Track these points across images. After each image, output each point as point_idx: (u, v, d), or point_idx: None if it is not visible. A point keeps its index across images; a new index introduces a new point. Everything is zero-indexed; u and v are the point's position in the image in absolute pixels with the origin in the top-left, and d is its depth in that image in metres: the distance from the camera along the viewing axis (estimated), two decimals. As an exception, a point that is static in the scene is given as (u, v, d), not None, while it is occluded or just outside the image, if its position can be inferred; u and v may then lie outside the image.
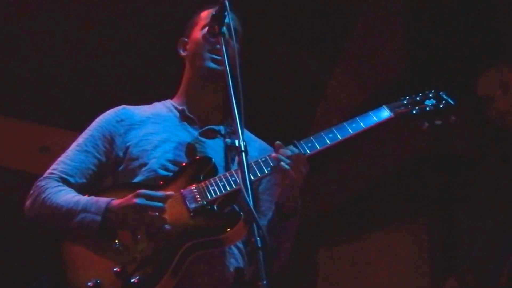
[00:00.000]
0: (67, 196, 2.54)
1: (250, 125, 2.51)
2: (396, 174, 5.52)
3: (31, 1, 4.77)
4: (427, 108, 2.69)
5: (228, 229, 2.40)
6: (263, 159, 2.53)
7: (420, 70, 4.84)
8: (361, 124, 2.63)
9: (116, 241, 2.43)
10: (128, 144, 2.69)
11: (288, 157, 2.47)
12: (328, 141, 2.58)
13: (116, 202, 2.45)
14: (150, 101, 2.94)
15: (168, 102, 2.89)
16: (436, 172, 5.33)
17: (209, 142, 2.74)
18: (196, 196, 2.49)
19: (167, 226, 2.41)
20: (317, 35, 5.15)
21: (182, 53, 2.90)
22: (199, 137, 2.73)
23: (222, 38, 2.54)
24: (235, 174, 2.50)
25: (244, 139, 2.25)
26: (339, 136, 2.59)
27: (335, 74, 5.44)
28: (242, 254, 2.62)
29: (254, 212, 2.08)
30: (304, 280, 6.30)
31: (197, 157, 2.65)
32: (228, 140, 2.71)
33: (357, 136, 2.63)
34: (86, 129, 2.77)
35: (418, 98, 2.72)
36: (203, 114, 2.80)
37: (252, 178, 2.34)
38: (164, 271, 2.37)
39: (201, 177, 2.54)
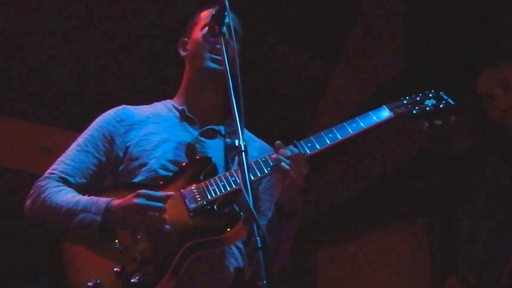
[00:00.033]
0: (67, 196, 2.54)
1: (250, 125, 2.51)
2: (396, 174, 5.52)
3: (31, 1, 4.77)
4: (427, 108, 2.69)
5: (228, 229, 2.40)
6: (263, 159, 2.53)
7: (420, 70, 4.84)
8: (361, 124, 2.63)
9: (116, 241, 2.43)
10: (128, 144, 2.69)
11: (288, 157, 2.47)
12: (328, 141, 2.58)
13: (116, 202, 2.45)
14: (150, 101, 2.94)
15: (168, 102, 2.89)
16: (436, 172, 5.34)
17: (209, 142, 2.74)
18: (196, 196, 2.49)
19: (167, 226, 2.41)
20: (317, 35, 5.14)
21: (182, 53, 2.90)
22: (199, 137, 2.73)
23: (222, 38, 2.54)
24: (235, 174, 2.50)
25: (244, 139, 2.25)
26: (339, 136, 2.59)
27: (335, 74, 5.43)
28: (242, 254, 2.62)
29: (254, 212, 2.08)
30: (304, 280, 6.30)
31: (197, 157, 2.65)
32: (228, 140, 2.71)
33: (357, 136, 2.63)
34: (86, 129, 2.77)
35: (418, 98, 2.72)
36: (203, 114, 2.80)
37: (252, 178, 2.34)
38: (164, 271, 2.37)
39: (201, 177, 2.54)
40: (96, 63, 5.21)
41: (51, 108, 5.45)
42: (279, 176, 2.55)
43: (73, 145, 2.72)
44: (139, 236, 2.42)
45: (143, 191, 2.42)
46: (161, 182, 2.57)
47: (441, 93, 2.74)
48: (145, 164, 2.63)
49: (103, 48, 5.11)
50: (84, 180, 2.65)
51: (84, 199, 2.52)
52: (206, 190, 2.50)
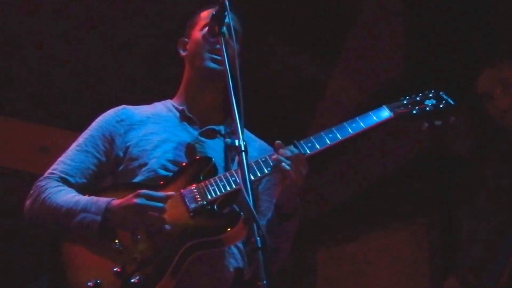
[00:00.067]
0: (67, 196, 2.54)
1: (250, 125, 2.51)
2: (396, 174, 5.52)
3: (31, 1, 4.77)
4: (427, 108, 2.69)
5: (228, 229, 2.40)
6: (263, 159, 2.53)
7: (420, 70, 4.84)
8: (361, 124, 2.63)
9: (116, 241, 2.43)
10: (128, 144, 2.69)
11: (288, 158, 2.47)
12: (328, 141, 2.58)
13: (116, 202, 2.45)
14: (150, 101, 2.94)
15: (168, 102, 2.89)
16: (436, 172, 5.34)
17: (209, 142, 2.73)
18: (196, 196, 2.49)
19: (167, 226, 2.41)
20: (317, 35, 5.14)
21: (182, 53, 2.90)
22: (199, 137, 2.73)
23: (222, 38, 2.54)
24: (235, 174, 2.50)
25: (244, 139, 2.25)
26: (339, 136, 2.59)
27: (334, 74, 5.44)
28: (242, 254, 2.63)
29: (254, 212, 2.08)
30: (303, 280, 6.30)
31: (197, 157, 2.65)
32: (228, 140, 2.71)
33: (357, 136, 2.63)
34: (86, 129, 2.77)
35: (418, 98, 2.72)
36: (203, 114, 2.80)
37: (252, 178, 2.34)
38: (164, 271, 2.37)
39: (201, 177, 2.54)
40: (96, 63, 5.21)
41: (51, 108, 5.45)
42: (279, 176, 2.55)
43: (73, 145, 2.72)
44: (139, 236, 2.42)
45: (143, 191, 2.42)
46: (161, 182, 2.57)
47: (441, 93, 2.74)
48: (145, 164, 2.63)
49: (103, 48, 5.11)
50: (84, 180, 2.65)
51: (84, 199, 2.52)
52: (206, 190, 2.50)
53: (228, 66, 2.42)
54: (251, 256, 2.46)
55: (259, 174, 2.51)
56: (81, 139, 2.73)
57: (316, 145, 2.56)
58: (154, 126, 2.75)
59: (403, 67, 5.00)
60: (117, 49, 5.13)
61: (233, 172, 2.52)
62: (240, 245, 2.62)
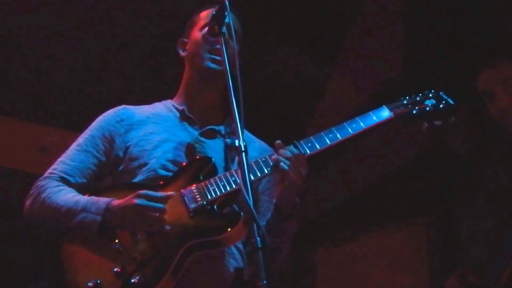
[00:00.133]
0: (67, 196, 2.54)
1: (250, 125, 2.51)
2: (396, 174, 5.52)
3: (31, 1, 4.77)
4: (427, 109, 2.69)
5: (228, 229, 2.40)
6: (263, 159, 2.53)
7: (419, 70, 4.84)
8: (361, 124, 2.63)
9: (116, 241, 2.43)
10: (128, 144, 2.69)
11: (287, 158, 2.47)
12: (328, 141, 2.58)
13: (116, 202, 2.45)
14: (150, 101, 2.94)
15: (168, 102, 2.89)
16: (435, 172, 5.33)
17: (209, 142, 2.74)
18: (196, 196, 2.49)
19: (167, 227, 2.41)
20: (317, 36, 5.14)
21: (182, 53, 2.90)
22: (199, 137, 2.73)
23: (222, 38, 2.54)
24: (235, 174, 2.50)
25: (244, 139, 2.25)
26: (339, 136, 2.59)
27: (334, 74, 5.43)
28: (242, 255, 2.63)
29: (254, 212, 2.09)
30: (303, 280, 6.30)
31: (197, 157, 2.65)
32: (228, 140, 2.71)
33: (357, 136, 2.63)
34: (86, 129, 2.77)
35: (418, 98, 2.72)
36: (203, 114, 2.80)
37: (252, 178, 2.34)
38: (164, 272, 2.37)
39: (201, 177, 2.54)
40: (96, 63, 5.21)
41: (51, 108, 5.44)
42: (279, 176, 2.55)
43: (73, 145, 2.72)
44: (139, 237, 2.42)
45: (143, 191, 2.42)
46: (161, 182, 2.57)
47: (441, 93, 2.74)
48: (145, 164, 2.63)
49: (103, 48, 5.11)
50: (84, 180, 2.65)
51: (84, 199, 2.52)
52: (206, 190, 2.50)
53: (228, 66, 2.42)
54: (251, 256, 2.46)
55: (259, 174, 2.51)
56: (81, 139, 2.73)
57: (316, 145, 2.56)
58: (154, 126, 2.75)
59: (403, 67, 5.00)
60: (117, 49, 5.12)
61: (233, 172, 2.52)
62: (240, 245, 2.62)
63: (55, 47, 5.06)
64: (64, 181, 2.62)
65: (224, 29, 2.56)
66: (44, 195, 2.56)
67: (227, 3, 2.52)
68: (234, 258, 2.59)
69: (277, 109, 5.52)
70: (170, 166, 2.62)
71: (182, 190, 2.51)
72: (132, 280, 2.36)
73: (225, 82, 2.36)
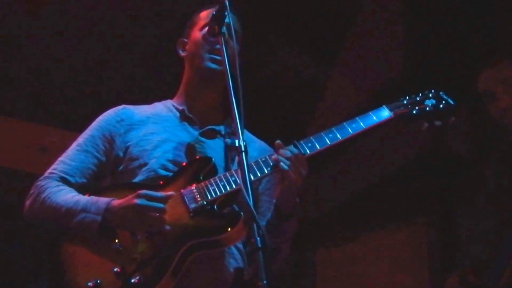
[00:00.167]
0: (67, 196, 2.54)
1: (250, 125, 2.51)
2: (396, 174, 5.52)
3: (30, 1, 4.77)
4: (427, 109, 2.69)
5: (229, 229, 2.40)
6: (263, 159, 2.53)
7: (419, 70, 4.84)
8: (361, 124, 2.63)
9: (116, 241, 2.43)
10: (128, 144, 2.69)
11: (287, 158, 2.47)
12: (328, 141, 2.58)
13: (116, 202, 2.45)
14: (150, 101, 2.94)
15: (168, 102, 2.89)
16: (435, 172, 5.33)
17: (209, 142, 2.74)
18: (196, 196, 2.49)
19: (167, 227, 2.41)
20: (317, 36, 5.14)
21: (182, 54, 2.90)
22: (199, 137, 2.73)
23: (222, 38, 2.54)
24: (235, 174, 2.50)
25: (244, 139, 2.25)
26: (339, 136, 2.59)
27: (334, 74, 5.43)
28: (242, 254, 2.63)
29: (254, 212, 2.08)
30: (303, 280, 6.30)
31: (197, 157, 2.65)
32: (228, 140, 2.71)
33: (357, 136, 2.63)
34: (86, 129, 2.77)
35: (418, 98, 2.72)
36: (203, 114, 2.80)
37: (252, 178, 2.34)
38: (164, 272, 2.37)
39: (201, 177, 2.54)
40: (96, 63, 5.20)
41: (51, 108, 5.44)
42: (279, 176, 2.55)
43: (73, 145, 2.72)
44: (139, 237, 2.42)
45: (143, 191, 2.42)
46: (161, 182, 2.57)
47: (441, 93, 2.74)
48: (145, 164, 2.63)
49: (103, 48, 5.11)
50: (84, 180, 2.65)
51: (84, 199, 2.52)
52: (206, 190, 2.50)
53: (228, 66, 2.42)
54: (251, 256, 2.46)
55: (259, 174, 2.51)
56: (81, 139, 2.73)
57: (316, 145, 2.56)
58: (154, 126, 2.75)
59: (403, 67, 5.00)
60: (117, 49, 5.12)
61: (233, 172, 2.52)
62: (240, 245, 2.62)
63: (55, 47, 5.05)
64: (64, 181, 2.62)
65: (224, 29, 2.56)
66: (44, 195, 2.56)
67: (227, 3, 2.52)
68: (234, 258, 2.59)
69: (277, 109, 5.52)
70: (170, 166, 2.62)
71: (182, 190, 2.51)
72: (132, 280, 2.36)
73: (225, 82, 2.36)
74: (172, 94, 2.93)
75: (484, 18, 4.60)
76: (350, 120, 2.63)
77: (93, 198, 2.51)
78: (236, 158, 2.36)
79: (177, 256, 2.38)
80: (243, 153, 2.22)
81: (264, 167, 2.51)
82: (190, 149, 2.68)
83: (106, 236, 2.44)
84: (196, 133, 2.75)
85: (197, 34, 2.83)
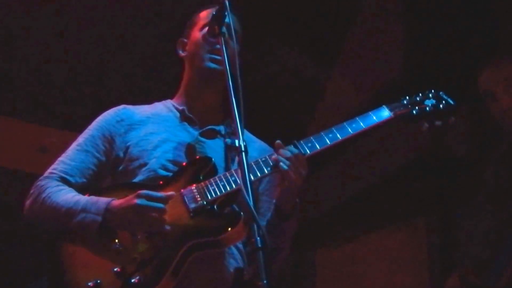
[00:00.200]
0: (67, 196, 2.54)
1: (250, 125, 2.51)
2: (396, 174, 5.52)
3: (30, 1, 4.77)
4: (427, 109, 2.69)
5: (229, 229, 2.40)
6: (263, 159, 2.53)
7: (419, 70, 4.84)
8: (361, 124, 2.63)
9: (116, 241, 2.43)
10: (128, 144, 2.69)
11: (287, 158, 2.47)
12: (328, 141, 2.58)
13: (116, 202, 2.45)
14: (150, 101, 2.94)
15: (168, 102, 2.89)
16: (435, 173, 5.33)
17: (209, 142, 2.73)
18: (196, 196, 2.49)
19: (167, 227, 2.41)
20: (316, 36, 5.14)
21: (182, 54, 2.90)
22: (199, 137, 2.73)
23: (222, 38, 2.54)
24: (235, 174, 2.50)
25: (244, 139, 2.25)
26: (339, 136, 2.59)
27: (334, 75, 5.44)
28: (242, 255, 2.63)
29: (255, 212, 2.08)
30: (303, 280, 6.30)
31: (197, 157, 2.65)
32: (228, 140, 2.71)
33: (357, 136, 2.63)
34: (86, 129, 2.77)
35: (418, 98, 2.72)
36: (203, 114, 2.80)
37: (252, 178, 2.34)
38: (164, 272, 2.37)
39: (201, 177, 2.54)
40: (95, 63, 5.21)
41: (50, 108, 5.45)
42: (279, 177, 2.55)
43: (73, 145, 2.72)
44: (139, 237, 2.42)
45: (143, 191, 2.42)
46: (161, 182, 2.57)
47: (441, 93, 2.74)
48: (145, 164, 2.63)
49: (103, 48, 5.11)
50: (84, 180, 2.65)
51: (84, 199, 2.52)
52: (206, 190, 2.50)
53: (228, 66, 2.42)
54: (251, 256, 2.46)
55: (259, 174, 2.51)
56: (81, 138, 2.73)
57: (316, 145, 2.56)
58: (154, 126, 2.75)
59: (403, 67, 5.00)
60: (117, 49, 5.12)
61: (233, 172, 2.52)
62: (240, 245, 2.62)
63: (55, 47, 5.05)
64: (64, 181, 2.62)
65: (224, 29, 2.56)
66: (44, 195, 2.56)
67: (227, 3, 2.52)
68: (234, 258, 2.59)
69: (277, 109, 5.52)
70: (170, 166, 2.62)
71: (182, 190, 2.51)
72: (132, 280, 2.36)
73: (225, 82, 2.35)
74: (172, 94, 2.93)
75: (484, 18, 4.60)
76: (350, 120, 2.63)
77: (93, 198, 2.51)
78: (236, 158, 2.36)
79: (177, 256, 2.38)
80: (243, 153, 2.22)
81: (264, 167, 2.51)
82: (190, 149, 2.68)
83: (106, 236, 2.43)
84: (196, 133, 2.75)
85: (197, 34, 2.83)
